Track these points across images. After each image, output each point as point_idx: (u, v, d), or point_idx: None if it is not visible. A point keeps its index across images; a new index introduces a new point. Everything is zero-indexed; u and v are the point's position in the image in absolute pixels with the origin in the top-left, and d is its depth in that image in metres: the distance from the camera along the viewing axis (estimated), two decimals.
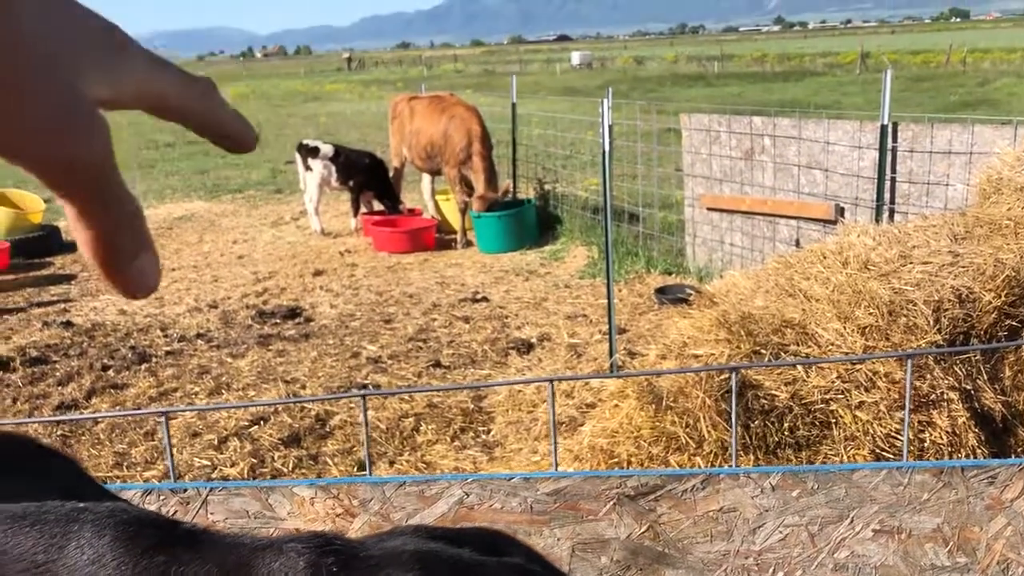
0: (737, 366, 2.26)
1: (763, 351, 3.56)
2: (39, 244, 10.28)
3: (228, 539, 1.01)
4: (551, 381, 1.65)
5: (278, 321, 7.35)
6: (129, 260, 0.37)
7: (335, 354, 6.50)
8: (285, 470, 4.72)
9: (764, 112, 7.49)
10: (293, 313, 7.55)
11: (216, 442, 5.06)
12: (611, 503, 1.33)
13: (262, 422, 5.26)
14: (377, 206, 10.75)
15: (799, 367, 3.47)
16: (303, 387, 5.82)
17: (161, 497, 1.26)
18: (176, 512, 1.27)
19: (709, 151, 7.61)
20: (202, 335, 7.10)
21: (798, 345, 3.55)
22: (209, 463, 4.85)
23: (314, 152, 10.52)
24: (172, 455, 1.87)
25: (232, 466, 4.80)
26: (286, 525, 1.30)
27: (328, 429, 5.15)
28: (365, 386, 5.83)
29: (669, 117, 11.77)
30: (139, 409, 5.57)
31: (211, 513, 1.28)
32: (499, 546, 1.07)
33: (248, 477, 4.60)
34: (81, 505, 0.96)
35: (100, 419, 5.41)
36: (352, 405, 5.42)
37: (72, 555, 0.90)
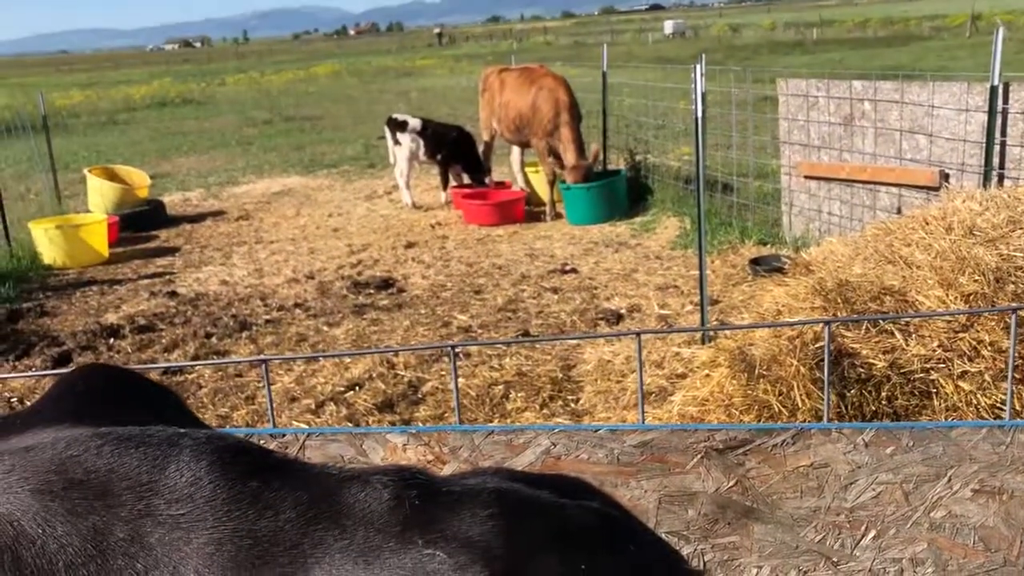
0: (831, 320, 2.21)
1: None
2: (145, 218, 10.71)
3: (317, 469, 1.04)
4: (638, 334, 1.64)
5: (372, 291, 7.51)
6: None
7: (427, 323, 6.60)
8: None
9: (864, 76, 7.22)
10: (386, 284, 7.69)
11: (313, 406, 5.22)
12: (699, 456, 1.32)
13: (357, 388, 5.40)
14: (467, 179, 10.82)
15: (898, 335, 3.36)
16: (396, 355, 5.94)
17: (261, 441, 1.31)
18: None
19: (807, 117, 7.40)
20: (300, 304, 7.31)
21: (897, 313, 3.44)
22: (306, 425, 5.00)
23: (403, 126, 10.65)
24: (271, 400, 1.94)
25: None
26: None
27: (420, 395, 5.25)
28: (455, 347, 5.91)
29: (765, 85, 11.47)
30: (241, 376, 5.79)
31: (308, 458, 1.32)
32: (577, 491, 1.08)
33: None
34: (182, 431, 1.00)
35: (204, 384, 5.65)
36: (443, 372, 5.50)
37: (172, 476, 0.95)
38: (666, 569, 0.92)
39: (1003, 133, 5.85)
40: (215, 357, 6.19)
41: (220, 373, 5.81)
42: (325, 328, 6.69)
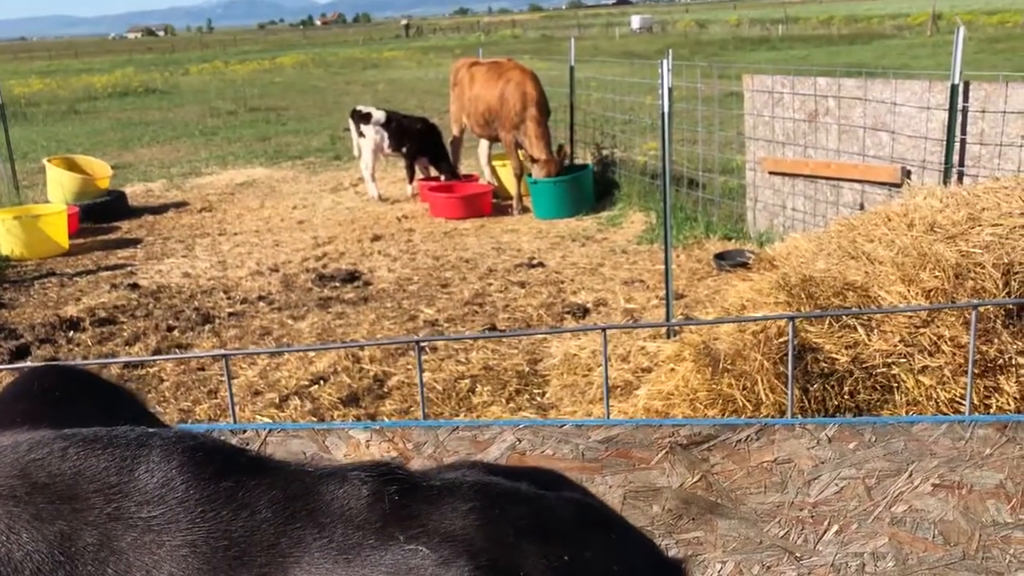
0: (795, 315, 2.22)
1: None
2: (107, 209, 10.54)
3: (293, 466, 1.01)
4: (604, 329, 1.64)
5: (337, 285, 7.45)
6: None
7: (393, 317, 6.57)
8: None
9: (829, 73, 7.30)
10: (352, 277, 7.64)
11: (277, 400, 5.17)
12: (663, 452, 1.32)
13: (322, 382, 5.36)
14: (434, 172, 10.78)
15: (860, 330, 3.40)
16: (361, 349, 5.90)
17: (221, 437, 1.28)
18: None
19: (772, 113, 7.45)
20: (264, 298, 7.23)
21: (860, 308, 3.48)
22: (270, 420, 4.96)
23: (367, 118, 10.57)
24: (232, 395, 1.91)
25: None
26: None
27: (386, 389, 5.23)
28: (420, 350, 5.88)
29: (731, 81, 11.54)
30: (203, 369, 5.72)
31: (270, 454, 1.30)
32: (556, 483, 1.07)
33: None
34: (151, 431, 0.97)
35: (166, 378, 5.57)
36: (410, 366, 5.48)
37: (142, 478, 0.92)
38: (646, 558, 0.92)
39: (963, 131, 5.93)
40: (177, 351, 6.11)
41: (182, 367, 5.73)
42: (290, 321, 6.63)
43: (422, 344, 5.59)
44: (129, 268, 8.43)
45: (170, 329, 6.53)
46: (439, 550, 0.77)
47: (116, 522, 0.78)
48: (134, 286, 7.72)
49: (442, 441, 1.30)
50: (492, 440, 1.30)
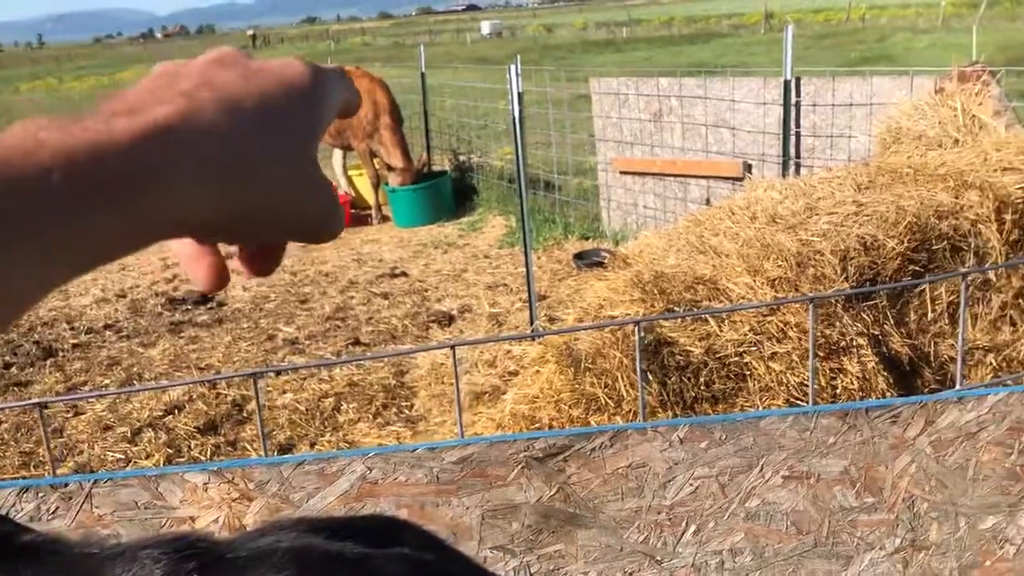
0: (642, 319, 2.25)
1: (676, 308, 3.58)
2: None
3: (76, 548, 0.91)
4: (452, 347, 1.61)
5: (189, 307, 7.14)
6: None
7: (250, 338, 6.34)
8: (203, 458, 4.59)
9: (671, 73, 7.53)
10: (205, 298, 7.33)
11: (129, 434, 4.89)
12: (519, 467, 1.30)
13: (176, 411, 5.11)
14: None
15: (712, 321, 3.50)
16: (217, 373, 5.67)
17: (40, 494, 1.17)
18: (58, 508, 1.20)
19: (619, 115, 7.63)
20: (111, 326, 6.85)
21: (710, 300, 3.58)
22: (123, 456, 4.68)
23: None
24: (49, 446, 1.77)
25: (147, 458, 4.65)
26: (179, 514, 1.23)
27: (246, 414, 5.03)
28: (279, 372, 5.70)
29: (580, 84, 11.76)
30: (46, 407, 5.35)
31: (96, 507, 1.20)
32: (392, 532, 1.00)
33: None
34: None
35: (3, 420, 5.18)
36: (271, 388, 5.29)
37: None
38: None
39: (797, 124, 6.24)
40: (16, 389, 5.69)
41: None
42: (139, 349, 6.29)
43: (261, 375, 5.43)
44: None
45: (7, 366, 6.09)
46: None
47: None
48: None
49: (287, 478, 1.23)
50: (341, 472, 1.23)
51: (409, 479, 1.25)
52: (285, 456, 1.29)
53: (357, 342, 6.11)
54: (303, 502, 1.23)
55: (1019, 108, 5.27)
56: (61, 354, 6.30)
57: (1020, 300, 3.95)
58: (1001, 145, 4.33)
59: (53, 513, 1.15)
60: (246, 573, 0.75)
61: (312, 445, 4.69)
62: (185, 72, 0.44)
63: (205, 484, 1.21)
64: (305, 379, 5.39)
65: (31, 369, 6.04)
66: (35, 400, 1.78)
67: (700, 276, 3.68)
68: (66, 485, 1.18)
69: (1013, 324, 3.91)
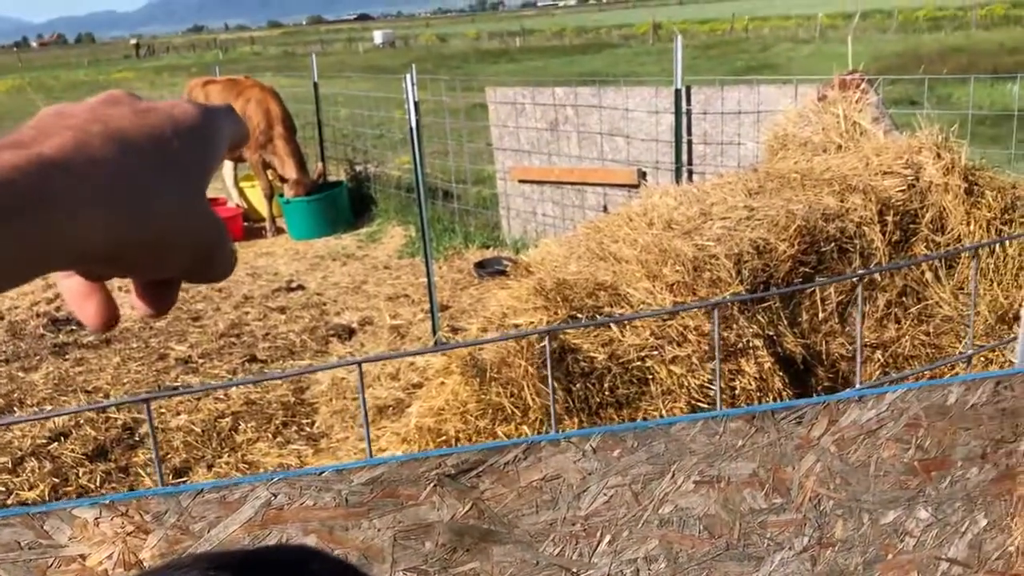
0: (550, 329, 2.25)
1: (579, 315, 3.60)
2: None
3: None
4: (359, 363, 1.56)
5: (74, 328, 6.80)
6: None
7: (140, 358, 6.08)
8: (92, 486, 4.37)
9: (565, 83, 7.61)
10: None
11: (11, 464, 4.62)
12: (432, 485, 1.26)
13: (63, 438, 4.85)
14: None
15: (614, 328, 3.53)
16: (107, 396, 5.42)
17: None
18: None
19: (516, 124, 7.66)
20: None
21: (612, 306, 3.62)
22: (3, 488, 4.42)
23: None
24: None
25: (31, 488, 4.40)
26: (68, 552, 1.14)
27: (138, 438, 4.82)
28: (174, 388, 5.49)
29: (476, 93, 11.78)
30: None
31: None
32: (302, 562, 0.95)
33: (50, 499, 4.22)
34: None
35: None
36: (164, 409, 5.09)
37: None
38: None
39: (689, 132, 6.39)
40: None
41: None
42: (20, 374, 5.96)
43: (152, 401, 5.23)
44: None
45: None
46: None
47: None
48: None
49: (186, 507, 1.16)
50: (244, 499, 1.17)
51: (316, 503, 1.20)
52: (183, 485, 1.22)
53: (254, 359, 5.94)
54: (204, 532, 1.17)
55: (894, 114, 5.53)
56: None
57: (903, 299, 4.13)
58: (881, 150, 4.53)
59: None
60: None
61: (210, 467, 4.53)
62: (73, 111, 0.45)
63: (96, 519, 1.13)
64: (200, 399, 5.20)
65: None
66: None
67: (601, 283, 3.71)
68: None
69: (898, 321, 4.08)
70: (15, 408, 5.41)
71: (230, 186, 10.19)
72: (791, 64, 22.62)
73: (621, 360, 3.55)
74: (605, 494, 1.32)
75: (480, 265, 7.31)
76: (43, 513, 1.12)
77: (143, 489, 1.46)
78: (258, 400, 5.17)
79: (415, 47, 52.82)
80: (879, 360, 4.00)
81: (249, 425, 4.88)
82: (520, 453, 1.30)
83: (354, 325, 6.47)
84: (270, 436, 4.78)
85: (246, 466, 4.53)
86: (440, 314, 6.02)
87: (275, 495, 1.19)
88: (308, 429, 4.88)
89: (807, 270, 3.98)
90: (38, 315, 7.20)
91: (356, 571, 0.87)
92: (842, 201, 4.12)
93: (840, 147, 4.80)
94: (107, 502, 1.14)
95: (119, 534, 1.14)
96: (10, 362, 6.21)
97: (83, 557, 1.13)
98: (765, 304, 3.85)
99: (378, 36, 57.18)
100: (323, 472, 1.20)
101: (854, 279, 3.23)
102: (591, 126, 7.04)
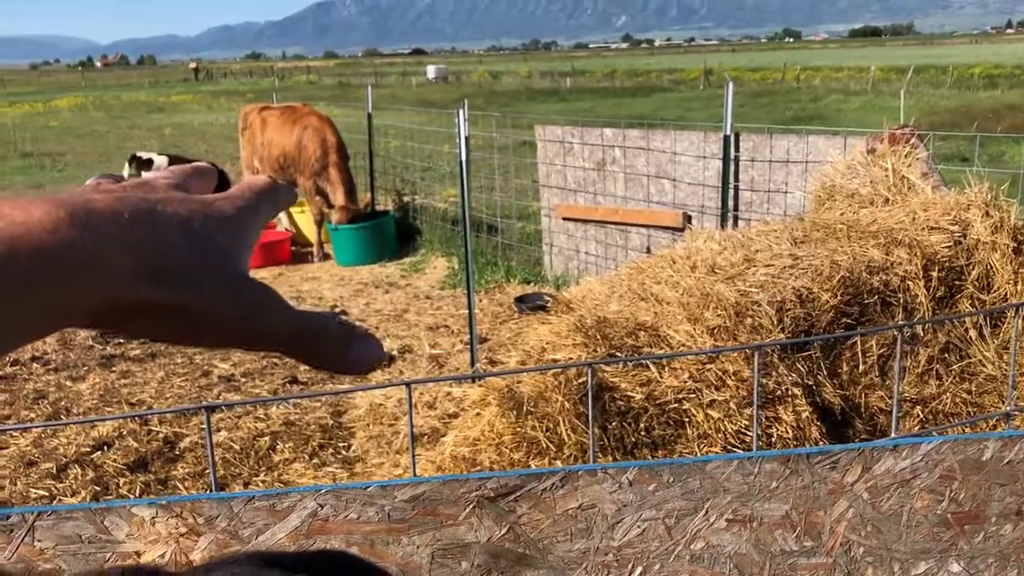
0: (593, 362, 2.29)
1: (618, 353, 3.63)
2: None
3: None
4: (408, 384, 1.62)
5: (121, 341, 6.97)
6: (342, 357, 0.51)
7: (184, 373, 6.21)
8: (131, 496, 4.46)
9: (614, 124, 7.70)
10: None
11: (55, 470, 4.74)
12: (471, 506, 1.30)
13: (105, 447, 4.97)
14: None
15: (653, 368, 3.56)
16: (149, 409, 5.54)
17: None
18: None
19: (563, 162, 7.75)
20: (38, 358, 6.64)
21: (651, 347, 3.64)
22: (47, 493, 4.53)
23: (147, 164, 10.09)
24: None
25: (73, 495, 4.50)
26: (124, 548, 1.21)
27: (178, 452, 4.91)
28: (215, 407, 5.59)
29: (524, 130, 11.93)
30: None
31: (39, 540, 1.17)
32: (343, 569, 1.01)
33: None
34: None
35: None
36: (203, 426, 5.19)
37: None
38: None
39: (736, 178, 6.41)
40: None
41: None
42: (68, 383, 6.12)
43: (212, 410, 5.32)
44: None
45: None
46: None
47: None
48: None
49: (237, 513, 1.21)
50: (292, 508, 1.23)
51: (360, 516, 1.25)
52: (235, 492, 1.27)
53: (295, 380, 6.03)
54: (252, 538, 1.22)
55: (944, 170, 5.52)
56: None
57: (946, 355, 4.10)
58: (928, 205, 4.52)
59: None
60: None
61: (246, 485, 4.60)
62: (111, 184, 0.47)
63: (152, 518, 1.19)
64: (240, 417, 5.29)
65: None
66: None
67: (642, 322, 3.74)
68: (8, 518, 1.15)
69: (939, 378, 4.05)
70: (61, 415, 5.54)
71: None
72: (841, 116, 22.55)
73: (658, 401, 3.57)
74: (639, 526, 1.35)
75: (520, 300, 7.36)
76: (104, 509, 1.18)
77: (198, 493, 1.51)
78: (297, 421, 5.25)
79: (467, 83, 53.54)
80: (918, 415, 3.96)
81: (287, 445, 4.95)
82: (558, 481, 1.34)
83: (394, 352, 6.55)
84: (306, 457, 4.85)
85: (281, 485, 4.59)
86: (479, 346, 6.08)
87: (321, 506, 1.24)
88: (344, 452, 4.94)
89: (849, 321, 3.97)
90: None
91: None
92: (887, 254, 4.12)
93: (887, 200, 4.80)
94: (164, 503, 1.20)
95: (172, 534, 1.20)
96: (59, 371, 6.38)
97: (138, 554, 1.19)
98: (805, 353, 3.84)
99: (431, 71, 58.05)
100: (368, 487, 1.25)
101: (895, 331, 3.22)
102: (638, 168, 7.10)
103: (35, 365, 6.49)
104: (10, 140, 23.42)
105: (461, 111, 5.46)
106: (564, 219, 7.87)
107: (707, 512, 1.38)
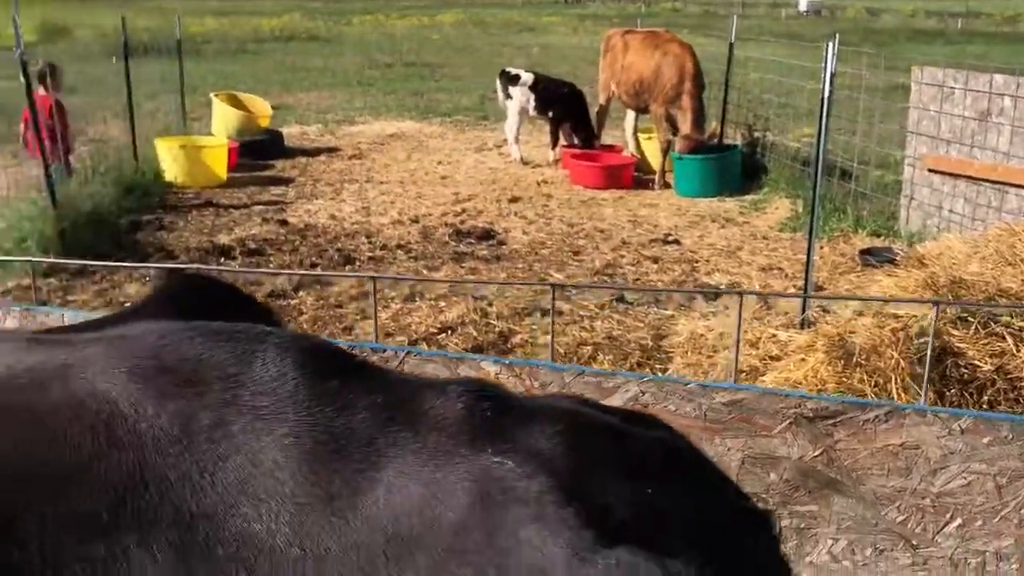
0: (939, 300, 2.14)
1: (971, 319, 3.35)
2: (264, 147, 11.03)
3: (396, 375, 1.12)
4: (740, 294, 1.63)
5: (473, 241, 7.60)
6: None
7: (523, 278, 6.66)
8: None
9: (1008, 71, 6.86)
10: (487, 235, 7.77)
11: (407, 343, 5.34)
12: (787, 422, 1.32)
13: (449, 331, 5.51)
14: (575, 139, 10.77)
15: (1009, 340, 3.24)
16: (490, 304, 6.01)
17: (363, 354, 1.37)
18: None
19: (939, 108, 7.08)
20: (402, 246, 7.46)
21: (1012, 316, 3.31)
22: None
23: (515, 80, 10.65)
24: (377, 315, 2.01)
25: None
26: None
27: (510, 346, 5.32)
28: (546, 312, 5.94)
29: (898, 73, 10.98)
30: (340, 307, 5.97)
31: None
32: (648, 424, 1.10)
33: None
34: (268, 329, 1.09)
35: (305, 311, 5.84)
36: (534, 326, 5.55)
37: (258, 370, 1.02)
38: (730, 505, 0.95)
39: None
40: (319, 286, 6.38)
41: (321, 302, 6.00)
42: (424, 271, 6.82)
43: (556, 292, 5.65)
44: (280, 205, 8.85)
45: (313, 266, 6.84)
46: (523, 465, 0.83)
47: (230, 407, 0.87)
48: (283, 222, 8.10)
49: (567, 383, 1.34)
50: (616, 388, 1.32)
51: (678, 409, 1.32)
52: (569, 365, 1.40)
53: (622, 299, 6.23)
54: None
55: None
56: (358, 263, 6.96)
57: None
58: None
59: None
60: (529, 420, 0.87)
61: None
62: None
63: (496, 373, 1.35)
64: (568, 324, 5.59)
65: (332, 272, 6.73)
66: (369, 274, 2.03)
67: (1004, 289, 3.40)
68: (384, 351, 1.36)
69: None
70: (416, 299, 6.20)
71: (628, 135, 10.58)
72: None
73: (1010, 375, 3.25)
74: (965, 477, 1.28)
75: (866, 252, 6.93)
76: (458, 359, 1.36)
77: (538, 360, 1.70)
78: (619, 337, 5.44)
79: (841, 18, 49.97)
80: None
81: (607, 358, 5.16)
82: (882, 414, 1.31)
83: (722, 287, 6.51)
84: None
85: None
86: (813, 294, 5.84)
87: (643, 392, 1.33)
88: (659, 375, 5.06)
89: None
90: (446, 224, 8.13)
91: (686, 444, 1.01)
92: None
93: None
94: (507, 363, 1.36)
95: (514, 390, 1.35)
96: (418, 260, 7.12)
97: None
98: None
99: (803, 3, 54.75)
100: (689, 384, 1.31)
101: None
102: None
103: (399, 252, 7.29)
104: (398, 50, 25.88)
105: (831, 44, 5.18)
106: (930, 171, 7.23)
107: None
